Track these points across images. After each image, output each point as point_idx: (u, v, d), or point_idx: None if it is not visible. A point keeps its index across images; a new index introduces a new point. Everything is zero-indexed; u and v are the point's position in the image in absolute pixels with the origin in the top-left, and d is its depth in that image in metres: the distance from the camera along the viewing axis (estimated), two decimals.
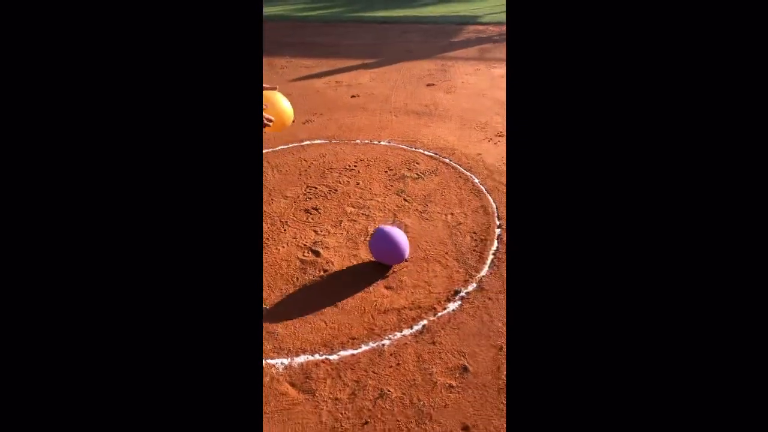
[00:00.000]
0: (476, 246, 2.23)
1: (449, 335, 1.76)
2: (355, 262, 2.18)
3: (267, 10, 10.03)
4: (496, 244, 2.23)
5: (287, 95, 1.78)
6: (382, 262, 2.12)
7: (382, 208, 2.58)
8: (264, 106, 1.63)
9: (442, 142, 3.32)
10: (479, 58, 5.23)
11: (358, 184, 2.85)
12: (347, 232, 2.39)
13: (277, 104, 1.74)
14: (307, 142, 3.48)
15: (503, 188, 2.69)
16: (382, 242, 2.08)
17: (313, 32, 7.52)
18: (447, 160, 3.06)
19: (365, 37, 6.56)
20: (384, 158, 3.15)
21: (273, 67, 5.73)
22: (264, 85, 1.62)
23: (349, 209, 2.59)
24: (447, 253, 2.20)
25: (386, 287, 2.01)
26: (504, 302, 1.89)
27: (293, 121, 1.86)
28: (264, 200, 2.71)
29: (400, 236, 2.09)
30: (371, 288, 2.01)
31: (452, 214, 2.49)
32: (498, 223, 2.39)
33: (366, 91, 4.55)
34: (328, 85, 4.76)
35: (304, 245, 2.31)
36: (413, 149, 3.26)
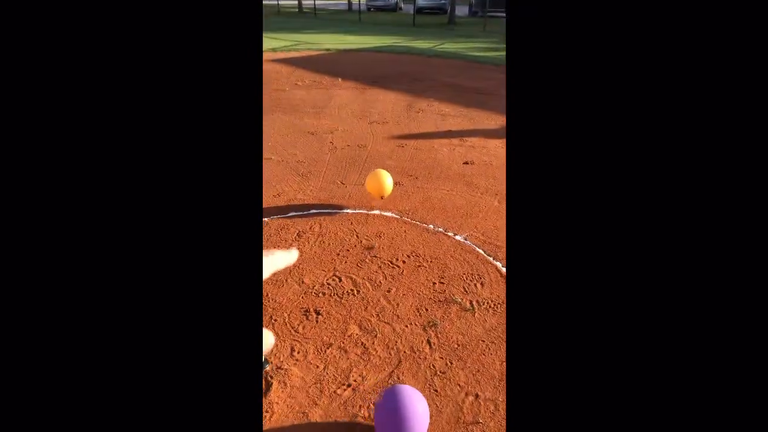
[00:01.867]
0: None
1: None
2: (298, 424, 1.52)
3: (446, 47, 9.83)
4: None
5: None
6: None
7: (390, 345, 1.84)
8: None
9: None
10: None
11: (389, 292, 2.15)
12: (323, 368, 1.73)
13: (381, 177, 2.89)
14: (376, 212, 2.90)
15: None
16: (392, 414, 1.38)
17: (476, 75, 6.93)
18: None
19: None
20: (445, 262, 2.38)
21: (410, 109, 5.34)
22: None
23: (351, 329, 1.93)
24: None
25: None
26: None
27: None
28: (278, 281, 2.23)
29: (415, 415, 1.36)
30: None
31: (477, 395, 1.62)
32: None
33: (485, 159, 3.77)
34: (449, 143, 4.10)
35: (265, 369, 1.74)
36: (490, 259, 2.40)
